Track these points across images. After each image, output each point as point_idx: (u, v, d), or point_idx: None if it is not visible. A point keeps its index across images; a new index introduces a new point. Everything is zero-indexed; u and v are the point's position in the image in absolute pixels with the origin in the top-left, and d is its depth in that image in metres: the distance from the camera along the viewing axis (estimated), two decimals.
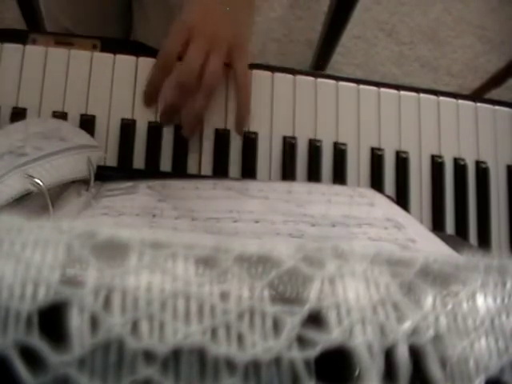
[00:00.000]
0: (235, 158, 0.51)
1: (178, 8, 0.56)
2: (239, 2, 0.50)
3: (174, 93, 0.48)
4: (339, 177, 0.51)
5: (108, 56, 0.51)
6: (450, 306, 0.12)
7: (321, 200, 0.38)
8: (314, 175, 0.51)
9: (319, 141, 0.52)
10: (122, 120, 0.50)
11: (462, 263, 0.13)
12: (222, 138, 0.51)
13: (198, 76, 0.47)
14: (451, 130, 0.54)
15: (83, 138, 0.45)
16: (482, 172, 0.54)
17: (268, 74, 0.53)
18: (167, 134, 0.50)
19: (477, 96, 1.07)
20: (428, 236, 0.33)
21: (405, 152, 0.53)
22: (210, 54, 0.47)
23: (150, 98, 0.51)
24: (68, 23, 0.65)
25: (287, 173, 0.51)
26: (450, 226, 0.52)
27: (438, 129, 0.54)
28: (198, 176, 0.49)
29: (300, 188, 0.40)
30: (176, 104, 0.49)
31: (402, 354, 0.11)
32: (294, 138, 0.52)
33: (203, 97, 0.48)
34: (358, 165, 0.52)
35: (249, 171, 0.51)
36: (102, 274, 0.11)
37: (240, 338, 0.11)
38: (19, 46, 0.50)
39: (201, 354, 0.11)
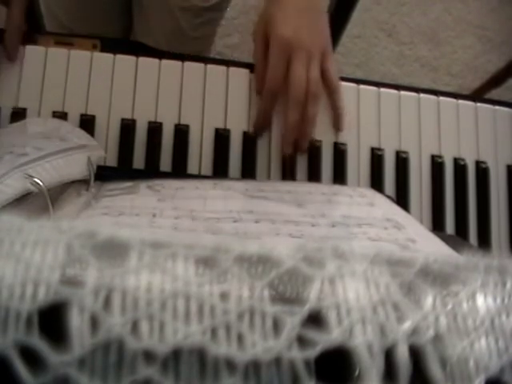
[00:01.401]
0: (235, 157, 0.51)
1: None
2: (315, 7, 0.51)
3: (290, 111, 0.49)
4: (339, 177, 0.51)
5: (108, 56, 0.51)
6: (449, 306, 0.12)
7: (321, 200, 0.38)
8: (314, 175, 0.51)
9: (320, 141, 0.52)
10: (122, 120, 0.50)
11: (462, 263, 0.13)
12: (222, 138, 0.51)
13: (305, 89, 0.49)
14: (451, 129, 0.54)
15: (83, 137, 0.45)
16: (482, 172, 0.54)
17: None
18: (167, 134, 0.50)
19: (477, 96, 1.07)
20: (428, 236, 0.33)
21: (405, 152, 0.53)
22: (310, 64, 0.49)
23: (264, 126, 0.51)
24: (68, 21, 0.65)
25: (287, 173, 0.51)
26: (450, 226, 0.52)
27: (438, 129, 0.54)
28: (198, 176, 0.49)
29: (300, 188, 0.40)
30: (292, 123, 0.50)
31: (402, 354, 0.11)
32: None
33: (313, 105, 0.49)
34: (358, 165, 0.52)
35: (249, 171, 0.51)
36: (101, 274, 0.11)
37: (240, 338, 0.11)
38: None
39: (201, 354, 0.11)
